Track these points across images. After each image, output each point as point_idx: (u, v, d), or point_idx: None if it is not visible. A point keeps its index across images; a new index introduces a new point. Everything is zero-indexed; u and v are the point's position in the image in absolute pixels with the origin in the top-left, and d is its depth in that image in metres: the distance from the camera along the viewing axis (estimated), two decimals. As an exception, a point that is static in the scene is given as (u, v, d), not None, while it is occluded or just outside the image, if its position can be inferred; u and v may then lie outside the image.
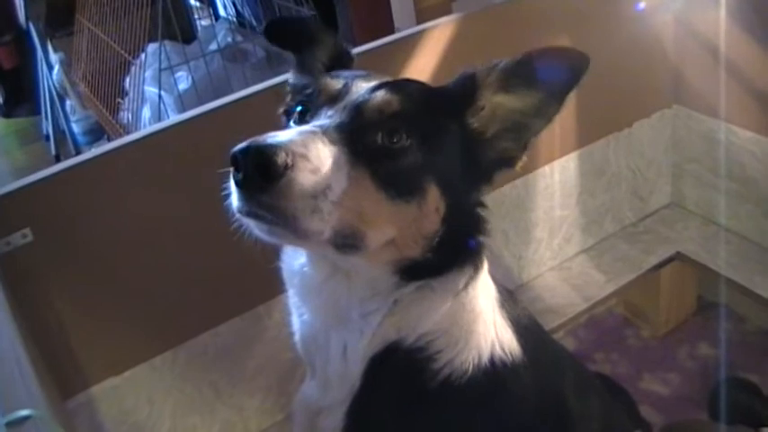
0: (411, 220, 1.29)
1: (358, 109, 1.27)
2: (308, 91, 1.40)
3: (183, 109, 3.17)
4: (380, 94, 1.29)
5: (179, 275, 2.18)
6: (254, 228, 1.21)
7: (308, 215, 1.15)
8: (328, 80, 1.37)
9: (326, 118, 1.28)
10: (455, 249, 1.37)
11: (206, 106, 2.18)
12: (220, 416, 2.40)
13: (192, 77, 3.41)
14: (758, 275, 2.79)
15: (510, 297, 1.59)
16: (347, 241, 1.23)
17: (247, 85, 2.32)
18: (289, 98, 1.54)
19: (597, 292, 2.81)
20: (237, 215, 1.20)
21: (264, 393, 2.45)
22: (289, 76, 1.63)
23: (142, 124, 3.55)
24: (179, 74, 3.48)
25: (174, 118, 2.49)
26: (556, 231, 2.88)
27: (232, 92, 2.30)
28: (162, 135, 2.11)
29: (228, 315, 2.31)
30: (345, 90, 1.33)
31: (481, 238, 1.42)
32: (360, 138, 1.25)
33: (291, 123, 1.38)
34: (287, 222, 1.15)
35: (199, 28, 4.18)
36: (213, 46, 3.64)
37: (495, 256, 2.62)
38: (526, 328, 1.56)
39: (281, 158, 1.11)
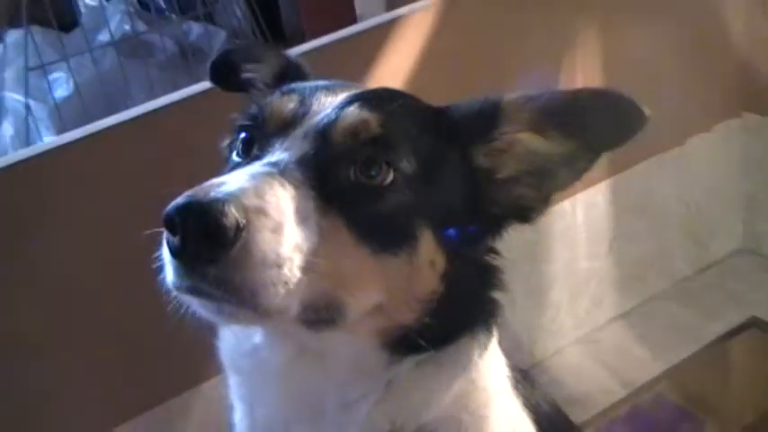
0: (401, 279, 1.37)
1: (324, 134, 1.35)
2: (253, 112, 1.47)
3: (61, 125, 3.19)
4: (353, 111, 1.37)
5: (49, 362, 2.24)
6: (196, 306, 1.27)
7: (270, 288, 1.21)
8: (278, 99, 1.45)
9: (282, 151, 1.34)
10: (463, 311, 1.46)
11: (95, 124, 2.26)
12: None
13: (75, 81, 3.40)
14: None
15: (524, 376, 1.70)
16: (321, 315, 1.30)
17: (154, 93, 2.37)
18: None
19: (640, 373, 2.91)
20: (175, 292, 1.25)
21: None
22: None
23: (1, 147, 3.55)
24: (55, 75, 3.49)
25: (50, 140, 2.56)
26: (581, 291, 2.99)
27: (133, 102, 2.39)
28: (32, 164, 2.18)
29: (129, 414, 2.37)
30: (303, 110, 1.41)
31: (495, 295, 1.49)
32: (329, 174, 1.32)
33: (234, 156, 1.46)
34: (243, 299, 1.20)
35: (82, 10, 4.21)
36: (104, 36, 3.64)
37: (500, 325, 2.72)
38: (547, 417, 1.67)
39: (232, 218, 1.15)
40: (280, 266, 1.20)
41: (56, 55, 3.45)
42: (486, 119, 1.45)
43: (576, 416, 2.63)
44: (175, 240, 1.17)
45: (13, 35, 3.56)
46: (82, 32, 3.63)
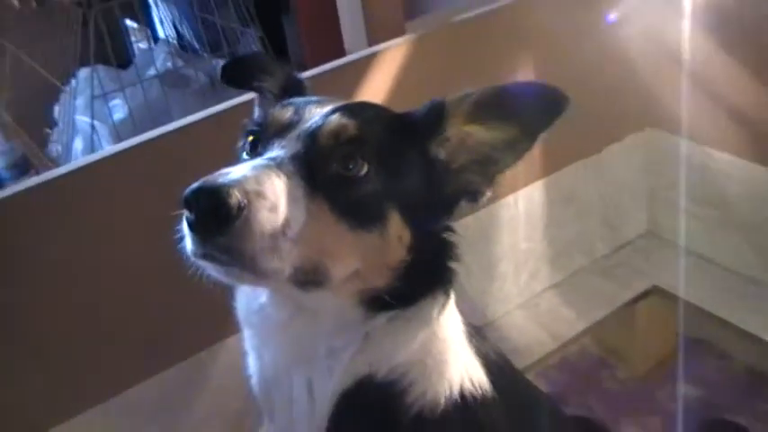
0: (374, 250, 1.37)
1: (312, 136, 1.35)
2: (258, 120, 1.50)
3: (118, 140, 3.18)
4: (335, 118, 1.37)
5: (109, 322, 2.23)
6: (209, 269, 1.28)
7: (266, 255, 1.23)
8: (278, 110, 1.46)
9: (280, 149, 1.35)
10: (425, 277, 1.45)
11: (143, 136, 2.25)
12: (162, 471, 2.42)
13: (129, 106, 3.43)
14: (742, 309, 2.90)
15: (477, 332, 1.68)
16: (309, 277, 1.32)
17: (189, 114, 2.36)
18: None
19: (567, 330, 2.91)
20: (192, 258, 1.27)
21: (210, 448, 2.48)
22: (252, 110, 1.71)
23: (73, 157, 3.55)
24: (114, 102, 3.51)
25: (108, 148, 2.54)
26: (522, 266, 2.97)
27: (172, 121, 2.35)
28: (94, 167, 2.16)
29: (167, 363, 2.35)
30: (297, 118, 1.41)
31: (451, 264, 1.49)
32: (316, 167, 1.32)
33: (244, 155, 1.46)
34: (245, 263, 1.23)
35: (136, 51, 4.21)
36: (151, 71, 3.68)
37: (458, 291, 2.69)
38: (495, 363, 1.64)
39: (235, 199, 1.18)
40: (274, 238, 1.21)
41: (115, 86, 3.51)
42: (435, 116, 1.45)
43: (518, 363, 2.62)
44: (191, 216, 1.20)
45: (83, 72, 3.63)
46: (135, 69, 3.75)
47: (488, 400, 1.55)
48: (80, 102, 3.60)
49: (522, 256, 2.96)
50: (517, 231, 2.90)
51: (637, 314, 3.07)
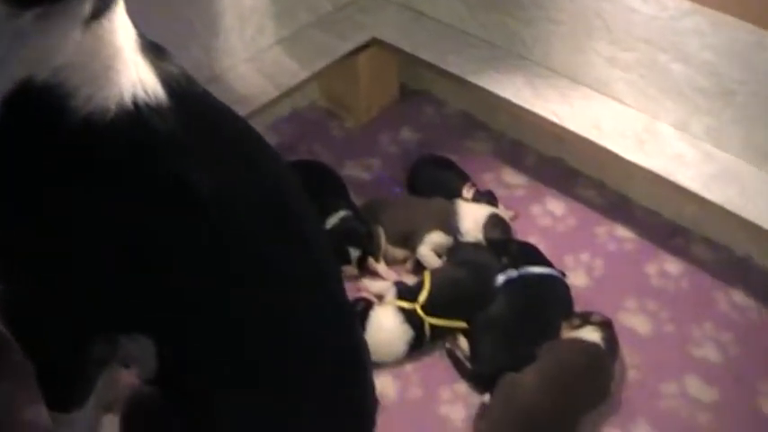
0: None
1: None
2: None
3: None
4: None
5: None
6: None
7: None
8: None
9: None
10: None
11: None
12: None
13: None
14: (452, 55, 2.94)
15: (159, 49, 1.54)
16: None
17: None
18: None
19: (290, 79, 2.84)
20: None
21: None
22: None
23: None
24: None
25: None
26: (247, 21, 2.83)
27: None
28: None
29: None
30: None
31: None
32: None
33: None
34: None
35: None
36: None
37: (181, 47, 2.53)
38: (173, 76, 1.52)
39: None
40: None
41: None
42: None
43: (243, 111, 2.53)
44: None
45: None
46: None
47: (164, 109, 1.44)
48: None
49: (247, 12, 2.81)
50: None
51: (359, 66, 3.05)
